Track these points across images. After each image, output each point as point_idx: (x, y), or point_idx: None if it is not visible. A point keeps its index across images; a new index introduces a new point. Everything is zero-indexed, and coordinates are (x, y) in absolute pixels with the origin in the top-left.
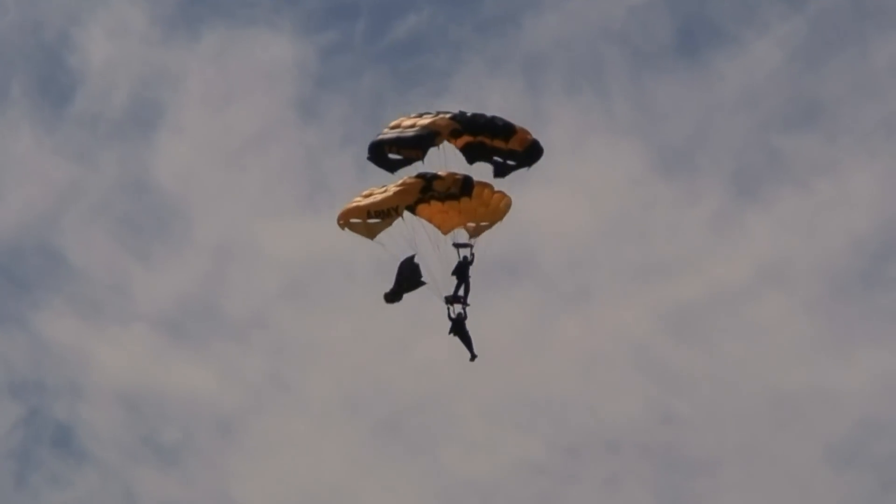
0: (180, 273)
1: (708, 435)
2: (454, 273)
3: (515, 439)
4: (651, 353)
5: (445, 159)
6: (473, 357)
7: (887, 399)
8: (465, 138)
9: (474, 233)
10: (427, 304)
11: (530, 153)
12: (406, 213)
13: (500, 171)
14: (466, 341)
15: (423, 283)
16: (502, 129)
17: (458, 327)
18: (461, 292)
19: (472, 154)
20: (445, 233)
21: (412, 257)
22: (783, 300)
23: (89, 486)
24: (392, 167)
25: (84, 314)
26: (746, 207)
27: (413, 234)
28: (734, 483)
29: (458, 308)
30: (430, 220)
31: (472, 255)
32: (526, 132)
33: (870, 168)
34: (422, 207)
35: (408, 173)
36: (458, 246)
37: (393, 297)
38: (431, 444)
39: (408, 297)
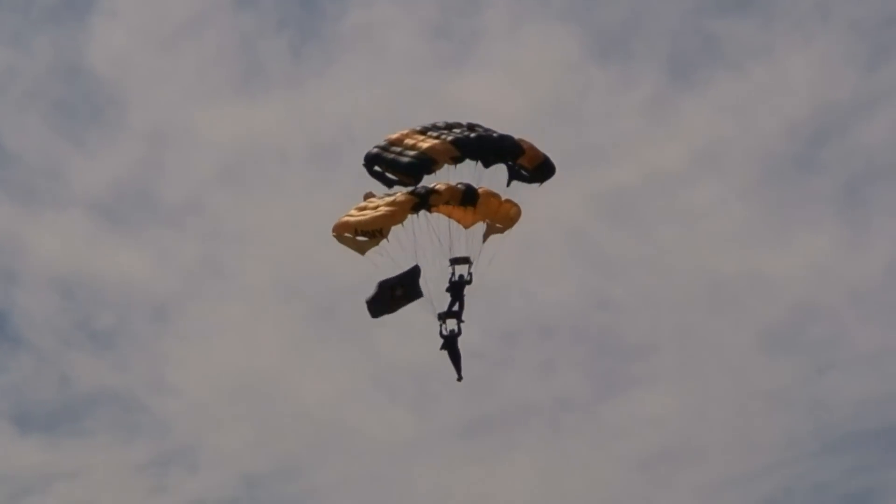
0: (115, 158)
1: (643, 319)
2: (449, 290)
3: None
4: (586, 239)
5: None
6: (460, 378)
7: (822, 283)
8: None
9: (490, 232)
10: (357, 192)
11: (542, 171)
12: (423, 214)
13: (512, 178)
14: (456, 360)
15: (420, 295)
16: (509, 151)
17: (450, 344)
18: (455, 308)
19: (488, 162)
20: (467, 227)
21: (416, 270)
22: (718, 185)
23: (25, 371)
24: (387, 184)
25: (19, 200)
26: (681, 92)
27: (415, 243)
28: (669, 367)
29: (451, 325)
30: (450, 216)
31: (470, 274)
32: (535, 150)
33: (805, 53)
34: (438, 208)
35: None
36: (455, 262)
37: (379, 312)
38: (367, 329)
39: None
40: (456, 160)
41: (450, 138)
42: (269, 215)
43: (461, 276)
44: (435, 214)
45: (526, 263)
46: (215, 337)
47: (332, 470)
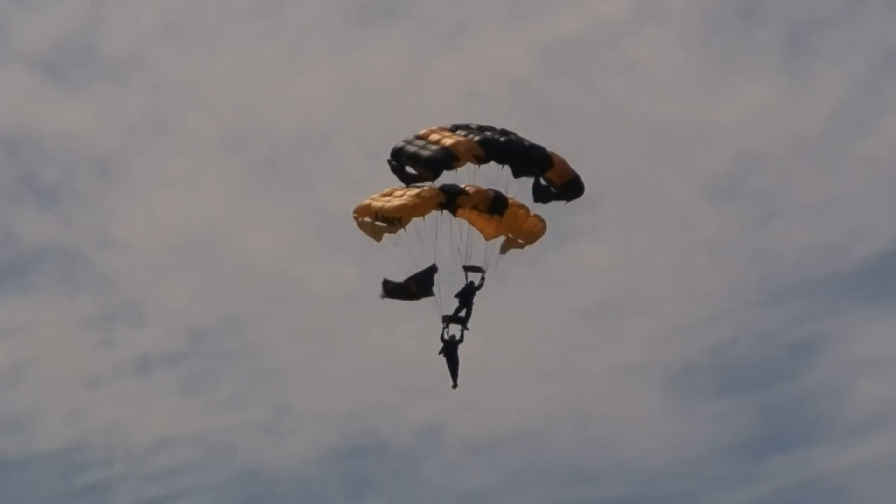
0: (57, 12)
1: (587, 170)
2: (458, 295)
3: (392, 175)
4: (530, 89)
5: (474, 170)
6: (455, 385)
7: (765, 132)
8: (493, 164)
9: (507, 245)
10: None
11: (571, 189)
12: (446, 214)
13: (541, 197)
14: (453, 367)
15: (431, 294)
16: (537, 162)
17: (450, 350)
18: (462, 315)
19: (518, 172)
20: (488, 239)
21: (433, 269)
22: (661, 35)
23: None
24: (406, 179)
25: None
26: None
27: (434, 242)
28: (614, 218)
29: (453, 330)
30: (473, 224)
31: (483, 280)
32: (565, 165)
33: None
34: (463, 212)
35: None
36: (468, 269)
37: (391, 293)
38: (310, 182)
39: (283, 36)
40: (480, 160)
41: (477, 138)
42: (212, 69)
43: (471, 283)
44: (459, 219)
45: (469, 114)
46: (160, 191)
47: (277, 323)
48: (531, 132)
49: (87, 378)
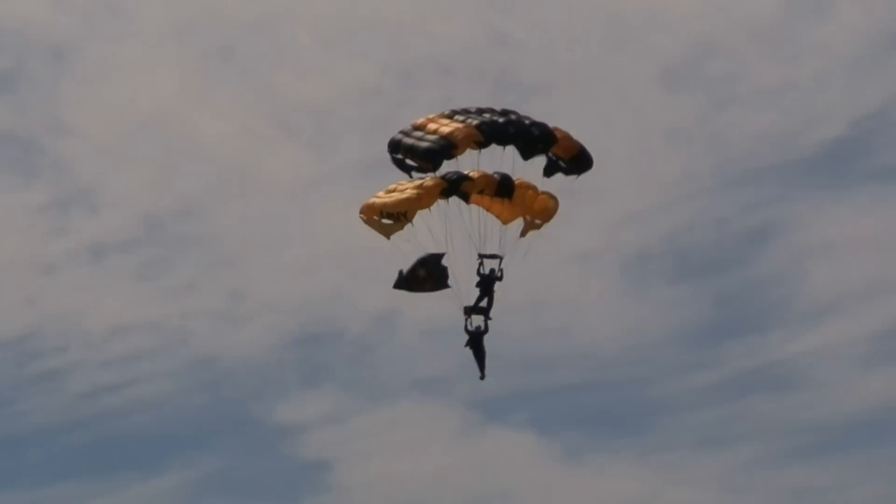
0: None
1: (542, 57)
2: (479, 285)
3: (349, 62)
4: None
5: (477, 156)
6: (483, 377)
7: (721, 18)
8: (498, 148)
9: (529, 228)
10: None
11: (579, 163)
12: (459, 202)
13: (551, 172)
14: (480, 358)
15: (447, 287)
16: (540, 139)
17: (476, 342)
18: (483, 304)
19: (526, 153)
20: (505, 223)
21: (441, 256)
22: None
23: None
24: (408, 171)
25: None
26: None
27: (446, 232)
28: (568, 104)
29: (477, 321)
30: (489, 210)
31: (501, 270)
32: (570, 139)
33: None
34: (476, 198)
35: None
36: (484, 257)
37: (402, 283)
38: (265, 68)
39: None
40: (480, 145)
41: (475, 122)
42: None
43: (492, 271)
44: (473, 206)
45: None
46: (114, 78)
47: (232, 210)
48: (485, 18)
49: (41, 265)
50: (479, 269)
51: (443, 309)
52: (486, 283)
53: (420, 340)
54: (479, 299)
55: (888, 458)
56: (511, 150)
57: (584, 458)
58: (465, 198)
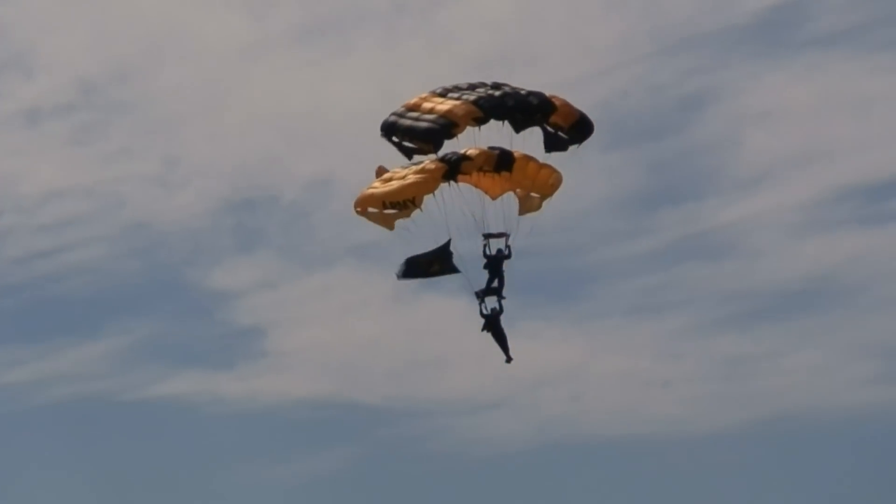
0: None
1: None
2: (486, 266)
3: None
4: None
5: (475, 132)
6: (509, 359)
7: None
8: (493, 124)
9: (524, 205)
10: None
11: (580, 130)
12: (451, 184)
13: (552, 145)
14: (502, 340)
15: (457, 271)
16: (538, 108)
17: (493, 324)
18: (495, 285)
19: (520, 125)
20: (494, 197)
21: (448, 243)
22: None
23: None
24: (407, 153)
25: None
26: None
27: (446, 217)
28: None
29: (491, 302)
30: (476, 186)
31: (509, 247)
32: (568, 106)
33: None
34: (464, 177)
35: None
36: (489, 236)
37: (408, 272)
38: None
39: None
40: (479, 121)
41: (471, 98)
42: None
43: (499, 251)
44: (463, 185)
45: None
46: None
47: (168, 74)
48: None
49: None
50: (485, 251)
51: None
52: (495, 264)
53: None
54: (490, 281)
55: (821, 326)
56: (507, 127)
57: (518, 324)
58: (455, 179)
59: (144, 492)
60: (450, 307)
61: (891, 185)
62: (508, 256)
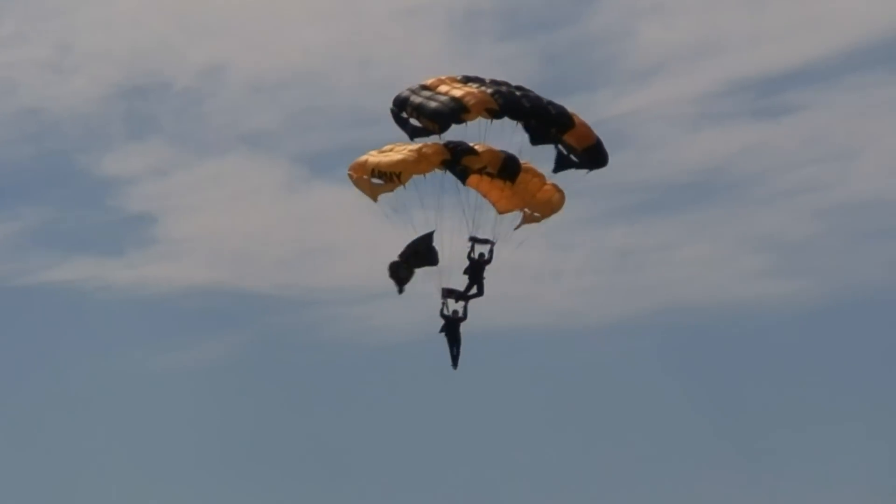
0: None
1: None
2: (468, 271)
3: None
4: None
5: (485, 129)
6: (455, 367)
7: None
8: (508, 121)
9: (527, 221)
10: None
11: (593, 156)
12: (457, 182)
13: (561, 166)
14: (454, 347)
15: (434, 263)
16: (557, 119)
17: (452, 328)
18: (472, 292)
19: (536, 135)
20: (501, 212)
21: (431, 234)
22: None
23: None
24: (411, 133)
25: None
26: None
27: (439, 208)
28: None
29: (454, 306)
30: (485, 195)
31: (491, 253)
32: (587, 128)
33: None
34: (474, 179)
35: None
36: (475, 241)
37: (401, 278)
38: None
39: None
40: (493, 114)
41: (490, 90)
42: None
43: (481, 255)
44: (469, 189)
45: None
46: None
47: None
48: None
49: None
50: (469, 254)
51: (271, 61)
52: (476, 270)
53: (248, 94)
54: (469, 287)
55: (713, 219)
56: (520, 135)
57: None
58: (464, 177)
59: (32, 377)
60: (341, 195)
61: (783, 78)
62: (489, 262)
